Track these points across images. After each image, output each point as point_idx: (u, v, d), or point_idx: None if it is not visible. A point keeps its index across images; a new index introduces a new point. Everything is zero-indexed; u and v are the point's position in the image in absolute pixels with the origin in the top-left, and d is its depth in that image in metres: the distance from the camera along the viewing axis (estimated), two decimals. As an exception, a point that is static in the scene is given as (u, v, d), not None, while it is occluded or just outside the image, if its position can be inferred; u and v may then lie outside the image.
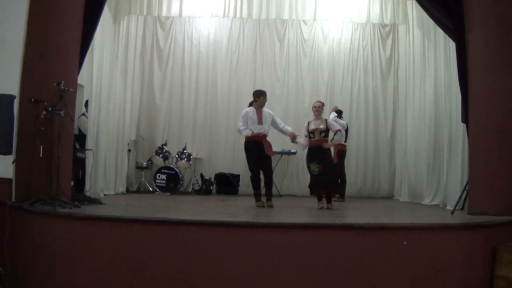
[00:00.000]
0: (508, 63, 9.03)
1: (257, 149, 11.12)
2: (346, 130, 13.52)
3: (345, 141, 13.35)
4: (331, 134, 11.24)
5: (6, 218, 7.86)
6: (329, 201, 10.87)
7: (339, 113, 13.93)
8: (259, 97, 11.43)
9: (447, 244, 7.27)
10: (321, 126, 10.91)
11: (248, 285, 7.11)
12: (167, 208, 10.10)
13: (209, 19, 16.60)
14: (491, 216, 8.30)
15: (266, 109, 11.53)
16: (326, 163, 10.85)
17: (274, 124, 11.55)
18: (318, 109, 11.13)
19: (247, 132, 11.15)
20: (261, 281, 7.10)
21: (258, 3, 16.21)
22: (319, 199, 10.95)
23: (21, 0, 8.96)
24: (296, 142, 11.44)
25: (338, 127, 11.30)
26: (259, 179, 11.19)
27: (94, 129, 12.07)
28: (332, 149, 11.82)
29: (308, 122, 11.20)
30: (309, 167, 11.03)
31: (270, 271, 7.10)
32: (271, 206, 10.82)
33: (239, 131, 11.35)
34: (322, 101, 11.93)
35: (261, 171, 11.23)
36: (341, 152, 13.48)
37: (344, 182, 13.92)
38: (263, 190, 11.24)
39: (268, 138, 11.35)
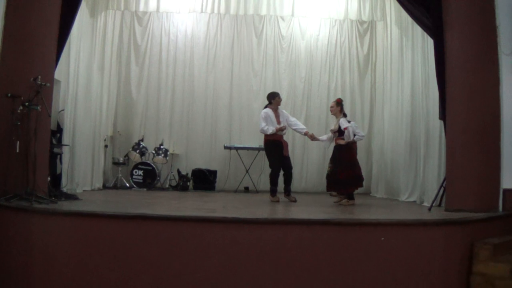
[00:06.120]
0: (486, 62, 9.16)
1: (278, 148, 11.61)
2: None
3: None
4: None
5: (-18, 214, 7.81)
6: (350, 198, 11.20)
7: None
8: (274, 98, 11.95)
9: (424, 240, 7.33)
10: (333, 127, 11.55)
11: (224, 280, 7.11)
12: (144, 204, 10.04)
13: (187, 14, 16.51)
14: (468, 212, 8.38)
15: (282, 110, 12.13)
16: (337, 163, 11.21)
17: (288, 123, 12.08)
18: (331, 109, 11.85)
19: (272, 129, 11.57)
20: (238, 276, 7.11)
21: (235, -2, 16.20)
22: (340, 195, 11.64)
23: (-2, -6, 8.89)
24: (318, 139, 12.21)
25: (346, 125, 11.32)
26: (278, 176, 11.77)
27: (70, 124, 12.02)
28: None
29: None
30: None
31: (248, 266, 7.12)
32: (294, 201, 11.50)
33: (264, 130, 11.68)
34: (338, 99, 12.10)
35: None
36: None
37: None
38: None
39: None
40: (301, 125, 12.32)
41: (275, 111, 11.90)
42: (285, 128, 11.76)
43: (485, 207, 8.68)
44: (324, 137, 12.01)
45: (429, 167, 11.44)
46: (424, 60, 11.91)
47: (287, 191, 11.76)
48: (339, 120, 11.37)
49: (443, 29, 9.63)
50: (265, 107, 12.04)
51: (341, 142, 11.18)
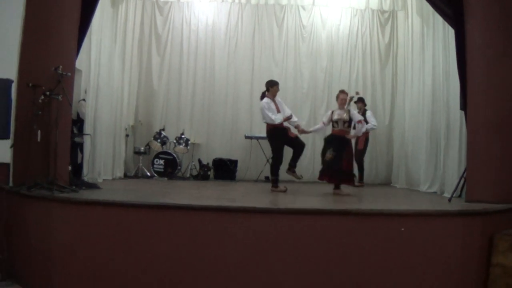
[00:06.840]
0: (507, 51, 9.03)
1: (283, 135, 11.42)
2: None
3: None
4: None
5: (3, 202, 7.90)
6: (337, 187, 10.96)
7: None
8: (272, 86, 11.70)
9: (444, 231, 7.31)
10: (345, 116, 11.04)
11: (243, 269, 7.14)
12: (165, 193, 10.09)
13: (208, 3, 16.55)
14: (489, 204, 8.31)
15: (277, 98, 11.79)
16: (342, 152, 10.89)
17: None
18: (343, 101, 11.26)
19: (281, 118, 11.39)
20: (257, 265, 7.13)
21: (257, -13, 16.19)
22: (336, 186, 11.08)
23: (19, -16, 8.92)
24: (309, 132, 12.13)
25: (360, 118, 11.40)
26: (280, 166, 11.54)
27: (92, 114, 12.04)
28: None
29: (332, 112, 11.42)
30: (324, 153, 11.12)
31: (267, 256, 7.13)
32: (300, 178, 11.69)
33: (273, 120, 11.34)
34: (347, 92, 11.71)
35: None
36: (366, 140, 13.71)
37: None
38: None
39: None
40: (294, 117, 11.93)
41: (273, 100, 11.66)
42: (291, 117, 11.62)
43: (505, 199, 8.59)
44: (317, 127, 11.94)
45: (450, 158, 11.36)
46: (445, 50, 11.81)
47: (293, 166, 11.59)
48: (350, 111, 11.19)
49: (464, 18, 9.56)
50: (263, 94, 11.81)
51: (349, 136, 11.16)
